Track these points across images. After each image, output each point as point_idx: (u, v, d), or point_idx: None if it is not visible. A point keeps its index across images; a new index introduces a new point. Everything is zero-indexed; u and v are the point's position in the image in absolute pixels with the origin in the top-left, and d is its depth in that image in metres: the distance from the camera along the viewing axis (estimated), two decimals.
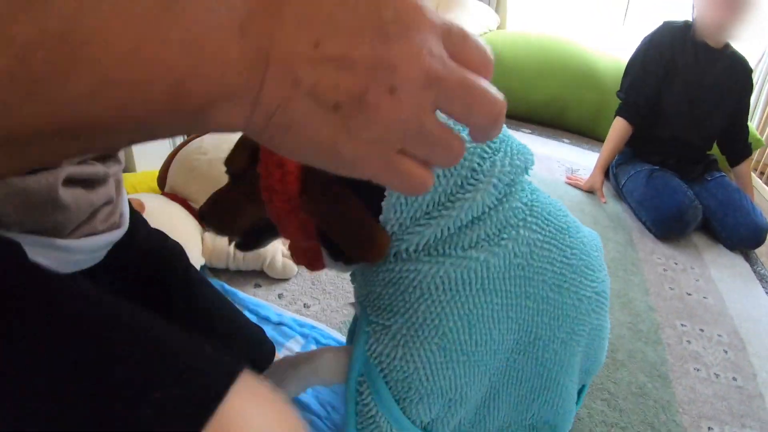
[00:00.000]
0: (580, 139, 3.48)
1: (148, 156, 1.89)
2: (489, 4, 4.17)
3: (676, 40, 2.46)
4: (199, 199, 1.60)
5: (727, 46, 2.46)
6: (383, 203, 0.72)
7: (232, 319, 1.06)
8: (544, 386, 0.88)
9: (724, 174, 2.61)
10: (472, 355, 0.78)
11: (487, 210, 0.74)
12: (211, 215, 0.86)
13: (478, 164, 0.73)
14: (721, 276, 2.17)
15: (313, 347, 1.34)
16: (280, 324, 1.39)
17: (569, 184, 2.70)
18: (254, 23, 0.30)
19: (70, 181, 0.71)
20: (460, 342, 0.76)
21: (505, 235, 0.75)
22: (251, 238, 0.88)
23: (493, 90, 0.36)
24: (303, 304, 1.51)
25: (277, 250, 1.58)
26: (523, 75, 3.44)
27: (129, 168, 1.86)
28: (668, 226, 2.34)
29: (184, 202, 1.59)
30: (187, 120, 0.33)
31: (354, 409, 0.84)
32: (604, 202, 2.58)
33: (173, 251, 1.04)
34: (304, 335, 1.37)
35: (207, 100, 0.31)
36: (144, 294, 0.96)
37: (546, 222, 0.80)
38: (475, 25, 3.72)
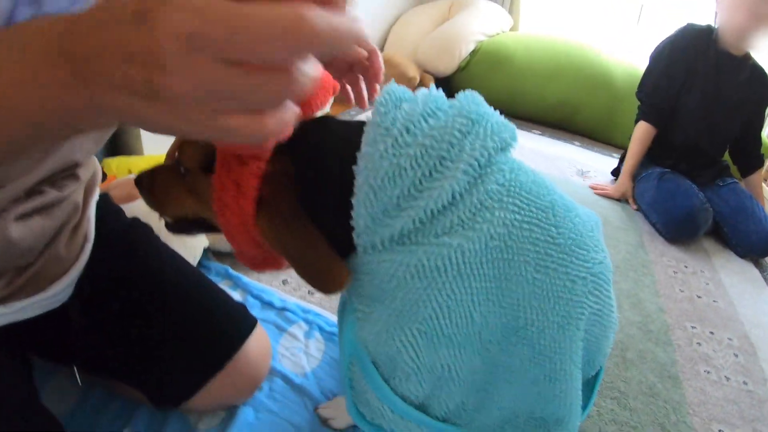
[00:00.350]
0: (590, 142, 3.45)
1: (156, 140, 1.88)
2: (502, 6, 4.16)
3: (699, 44, 2.42)
4: None
5: (748, 55, 2.42)
6: (353, 200, 0.71)
7: (210, 293, 1.04)
8: (548, 377, 0.84)
9: (736, 180, 2.58)
10: (454, 337, 0.77)
11: (458, 195, 0.72)
12: (146, 190, 0.86)
13: (447, 151, 0.71)
14: (731, 281, 2.13)
15: (317, 333, 1.32)
16: (283, 309, 1.37)
17: (597, 193, 2.66)
18: (68, 46, 0.37)
19: (23, 215, 0.73)
20: (440, 326, 0.75)
21: (480, 218, 0.72)
22: (183, 226, 0.87)
23: (269, 13, 0.33)
24: (307, 290, 1.48)
25: None
26: (535, 76, 3.42)
27: (136, 152, 1.85)
28: (679, 229, 2.31)
29: None
30: (62, 135, 0.43)
31: (350, 386, 0.86)
32: (636, 209, 2.55)
33: (140, 233, 1.06)
34: (307, 321, 1.35)
35: (61, 123, 0.40)
36: (114, 278, 0.97)
37: (526, 201, 0.76)
38: (489, 26, 3.70)
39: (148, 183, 0.85)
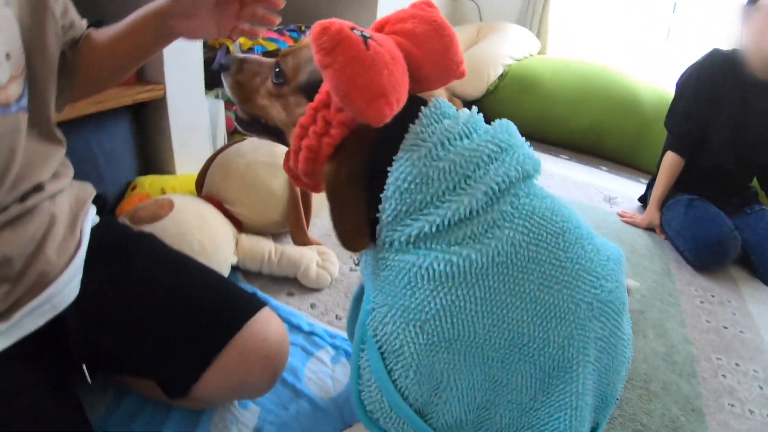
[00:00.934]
0: (618, 167, 3.44)
1: (189, 160, 1.93)
2: (530, 29, 4.18)
3: (725, 68, 2.41)
4: (234, 200, 1.62)
5: None
6: (382, 195, 0.79)
7: (213, 282, 1.07)
8: (545, 390, 0.86)
9: (765, 207, 2.55)
10: (454, 344, 0.82)
11: (475, 212, 0.78)
12: (233, 75, 0.93)
13: (473, 171, 0.79)
14: (759, 311, 2.11)
15: (343, 359, 1.34)
16: (311, 333, 1.40)
17: (625, 221, 2.66)
18: None
19: None
20: (442, 329, 0.80)
21: (490, 235, 0.79)
22: (253, 125, 0.96)
23: None
24: (335, 315, 1.51)
25: (312, 260, 1.59)
26: (563, 101, 3.43)
27: (169, 171, 1.89)
28: (707, 256, 2.29)
29: (219, 205, 1.61)
30: None
31: (357, 373, 0.90)
32: (664, 239, 2.54)
33: (142, 239, 1.10)
34: (334, 346, 1.37)
35: None
36: (109, 280, 0.99)
37: (537, 225, 0.82)
38: (517, 49, 3.72)
39: (237, 70, 0.93)
